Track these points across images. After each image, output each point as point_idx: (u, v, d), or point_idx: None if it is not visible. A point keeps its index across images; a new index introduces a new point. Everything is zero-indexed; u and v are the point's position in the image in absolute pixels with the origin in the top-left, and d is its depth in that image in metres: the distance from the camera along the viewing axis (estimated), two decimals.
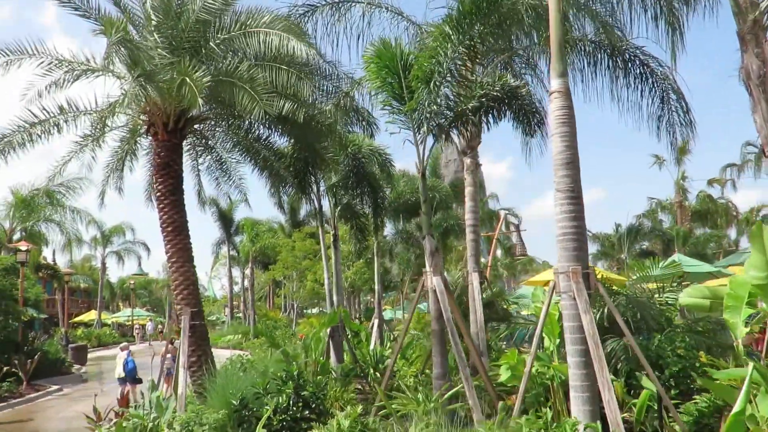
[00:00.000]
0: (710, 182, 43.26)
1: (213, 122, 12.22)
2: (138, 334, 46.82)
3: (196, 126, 11.75)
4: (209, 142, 12.94)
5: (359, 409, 7.52)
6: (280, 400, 8.12)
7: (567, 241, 6.72)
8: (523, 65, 12.61)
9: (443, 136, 9.77)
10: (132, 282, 56.01)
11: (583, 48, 11.00)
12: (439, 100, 8.80)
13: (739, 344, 7.13)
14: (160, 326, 50.29)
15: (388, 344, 18.31)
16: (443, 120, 9.27)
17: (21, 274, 22.46)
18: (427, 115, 9.04)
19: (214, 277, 69.28)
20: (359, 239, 19.40)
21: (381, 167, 16.86)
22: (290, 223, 37.69)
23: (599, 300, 7.83)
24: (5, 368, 18.97)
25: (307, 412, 8.20)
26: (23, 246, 22.57)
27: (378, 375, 13.46)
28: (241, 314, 74.82)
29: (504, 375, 8.00)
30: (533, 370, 8.13)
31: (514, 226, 45.03)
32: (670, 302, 9.68)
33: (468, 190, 12.75)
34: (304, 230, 33.73)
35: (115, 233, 46.79)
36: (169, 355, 14.98)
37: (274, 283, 42.48)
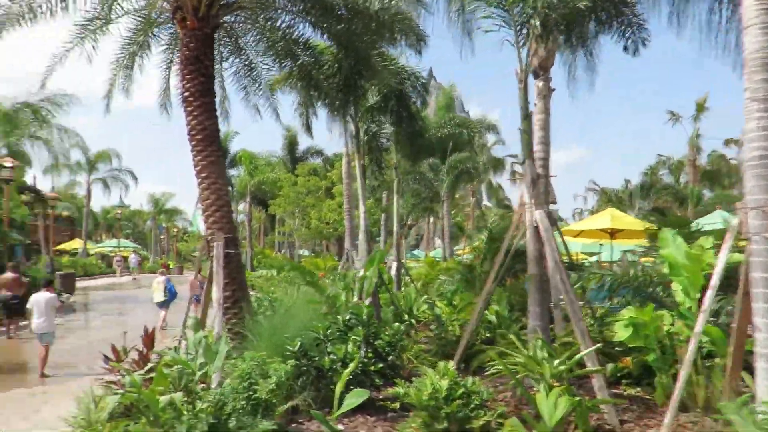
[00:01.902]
0: (727, 142, 42.09)
1: (247, 15, 10.17)
2: (119, 266, 44.91)
3: (226, 18, 9.75)
4: (239, 41, 10.94)
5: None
6: (349, 350, 6.57)
7: (763, 167, 5.09)
8: None
9: (548, 38, 8.00)
10: (119, 212, 53.92)
11: None
12: None
13: None
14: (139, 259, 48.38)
15: (403, 289, 16.91)
16: (552, 18, 7.50)
17: (6, 193, 20.50)
18: (531, 11, 7.32)
19: (199, 210, 67.22)
20: (377, 175, 17.64)
21: (417, 93, 14.96)
22: (289, 159, 35.85)
23: None
24: None
25: (381, 365, 6.68)
26: (8, 162, 20.45)
27: (413, 322, 12.04)
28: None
29: (622, 333, 6.52)
30: (666, 328, 6.65)
31: (519, 174, 43.72)
32: None
33: (539, 117, 10.99)
34: (306, 166, 31.95)
35: (101, 159, 44.49)
36: (197, 283, 15.33)
37: (270, 221, 40.78)
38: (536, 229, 7.12)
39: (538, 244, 7.15)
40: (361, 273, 10.51)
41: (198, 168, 8.65)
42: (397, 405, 6.33)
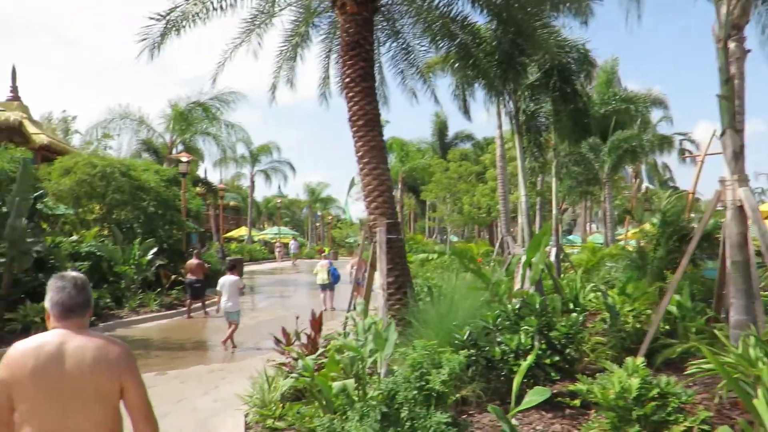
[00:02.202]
0: None
1: None
2: (279, 252, 47.83)
3: (384, 1, 9.64)
4: (396, 24, 10.83)
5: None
6: (521, 341, 6.14)
7: None
8: None
9: None
10: (279, 201, 57.45)
11: None
12: None
13: None
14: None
15: (563, 276, 15.90)
16: None
17: (183, 185, 22.44)
18: None
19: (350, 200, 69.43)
20: (536, 157, 16.71)
21: (581, 68, 13.86)
22: (439, 144, 35.68)
23: None
24: (173, 277, 19.05)
25: (557, 358, 6.17)
26: (184, 157, 22.42)
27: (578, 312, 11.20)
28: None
29: None
30: None
31: (689, 152, 39.88)
32: None
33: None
34: (457, 151, 31.51)
35: (262, 152, 47.55)
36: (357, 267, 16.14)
37: (420, 207, 41.00)
38: (740, 209, 6.16)
39: (741, 226, 6.17)
40: (523, 258, 9.95)
41: (359, 154, 8.64)
42: (578, 402, 5.80)
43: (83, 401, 2.51)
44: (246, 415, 6.80)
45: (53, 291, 2.70)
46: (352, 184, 69.14)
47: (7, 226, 12.46)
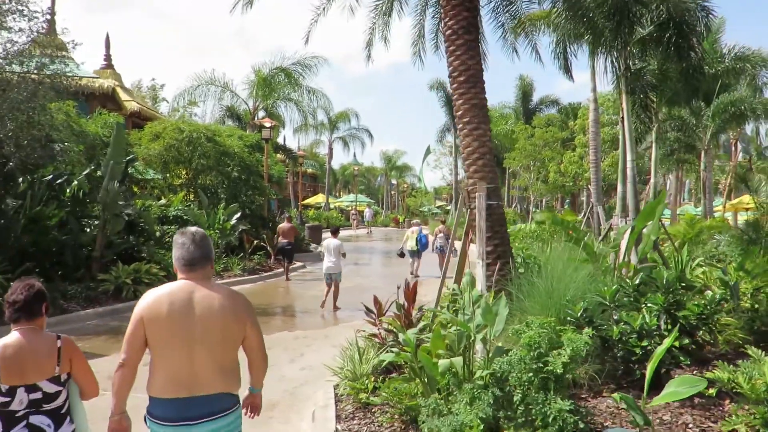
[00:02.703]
0: None
1: None
2: (355, 219, 47.89)
3: None
4: None
5: None
6: (647, 320, 5.44)
7: None
8: None
9: None
10: (356, 168, 57.55)
11: None
12: None
13: None
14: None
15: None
16: None
17: (265, 150, 22.53)
18: None
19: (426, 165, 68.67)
20: (643, 120, 15.34)
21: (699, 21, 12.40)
22: (522, 110, 34.26)
23: None
24: (255, 242, 19.22)
25: (687, 341, 5.44)
26: (267, 123, 22.44)
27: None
28: (450, 206, 74.69)
29: None
30: None
31: None
32: None
33: None
34: (542, 118, 30.07)
35: (341, 119, 47.49)
36: (441, 234, 17.24)
37: (500, 175, 39.77)
38: None
39: None
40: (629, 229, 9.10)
41: (459, 113, 8.01)
42: (713, 392, 5.09)
43: (210, 344, 2.75)
44: (336, 386, 6.51)
45: (176, 247, 2.93)
46: (427, 152, 68.29)
47: (101, 189, 12.71)
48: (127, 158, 12.98)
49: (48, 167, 14.16)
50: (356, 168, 57.96)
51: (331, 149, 49.95)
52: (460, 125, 8.06)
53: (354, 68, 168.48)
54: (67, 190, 14.36)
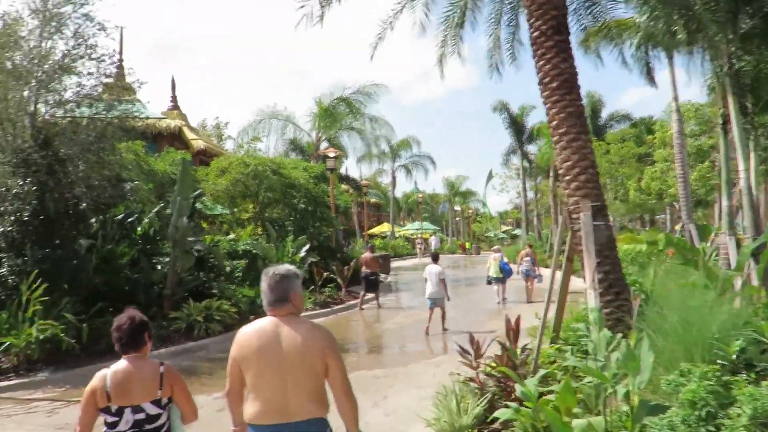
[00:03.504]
0: None
1: None
2: (420, 248, 46.75)
3: None
4: None
5: None
6: None
7: None
8: None
9: None
10: (420, 195, 56.92)
11: None
12: None
13: None
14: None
15: None
16: None
17: (330, 181, 22.14)
18: None
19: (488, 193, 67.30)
20: (742, 126, 13.79)
21: None
22: (592, 127, 32.74)
23: None
24: (324, 274, 18.63)
25: None
26: (331, 153, 22.10)
27: None
28: (518, 231, 72.59)
29: None
30: None
31: None
32: None
33: None
34: (615, 133, 28.54)
35: (402, 147, 47.08)
36: (527, 258, 17.10)
37: None
38: None
39: None
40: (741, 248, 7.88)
41: (554, 123, 7.12)
42: None
43: (297, 375, 2.93)
44: None
45: (261, 286, 3.13)
46: (489, 176, 66.86)
47: (170, 225, 12.44)
48: (195, 194, 12.68)
49: (119, 206, 14.12)
50: (420, 195, 57.26)
51: (394, 177, 49.54)
52: (555, 137, 7.16)
53: (410, 97, 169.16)
54: (138, 229, 14.25)
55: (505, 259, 17.37)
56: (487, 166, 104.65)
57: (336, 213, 22.76)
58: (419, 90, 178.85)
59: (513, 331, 5.99)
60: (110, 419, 3.08)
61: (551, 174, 29.96)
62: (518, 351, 6.17)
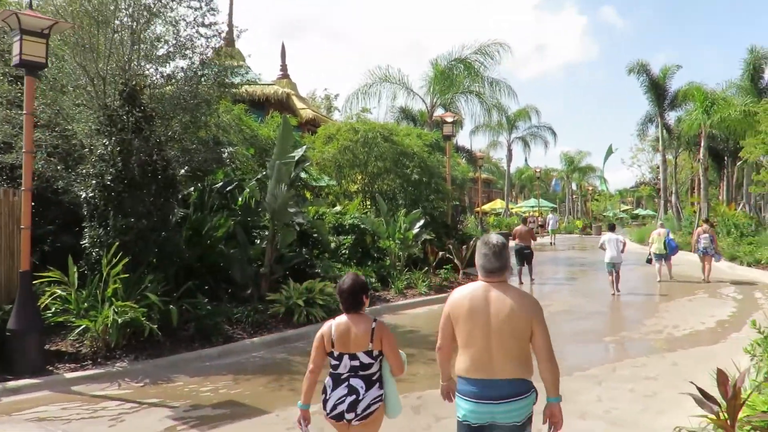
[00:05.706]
0: None
1: None
2: (533, 226, 42.42)
3: None
4: None
5: None
6: None
7: None
8: None
9: None
10: (538, 170, 53.27)
11: None
12: None
13: None
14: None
15: None
16: None
17: (447, 149, 19.90)
18: None
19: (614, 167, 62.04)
20: None
21: None
22: (753, 89, 28.03)
23: None
24: (440, 254, 16.57)
25: None
26: (449, 117, 19.76)
27: None
28: (639, 210, 66.58)
29: None
30: None
31: None
32: None
33: None
34: None
35: (519, 118, 43.73)
36: (705, 235, 16.40)
37: (715, 170, 33.01)
38: None
39: None
40: None
41: None
42: None
43: (503, 337, 3.13)
44: None
45: (478, 255, 3.32)
46: (609, 152, 61.38)
47: (267, 193, 10.87)
48: (297, 156, 10.96)
49: (218, 173, 12.79)
50: (538, 170, 53.48)
51: (509, 150, 46.20)
52: None
53: (524, 73, 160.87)
54: (239, 199, 12.89)
55: (671, 235, 16.72)
56: (605, 144, 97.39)
57: (452, 186, 20.54)
58: (535, 64, 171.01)
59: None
60: (333, 362, 3.61)
61: (702, 144, 25.75)
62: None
